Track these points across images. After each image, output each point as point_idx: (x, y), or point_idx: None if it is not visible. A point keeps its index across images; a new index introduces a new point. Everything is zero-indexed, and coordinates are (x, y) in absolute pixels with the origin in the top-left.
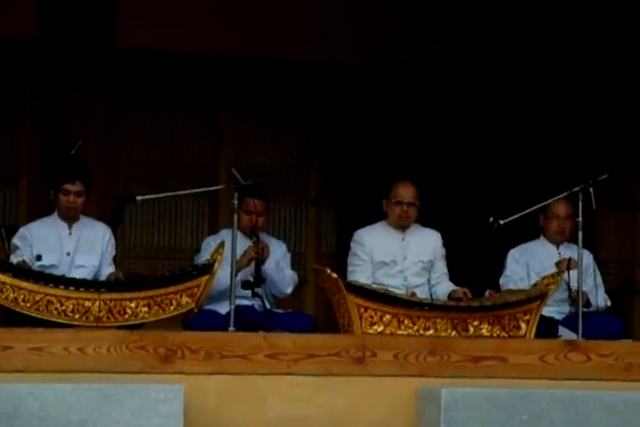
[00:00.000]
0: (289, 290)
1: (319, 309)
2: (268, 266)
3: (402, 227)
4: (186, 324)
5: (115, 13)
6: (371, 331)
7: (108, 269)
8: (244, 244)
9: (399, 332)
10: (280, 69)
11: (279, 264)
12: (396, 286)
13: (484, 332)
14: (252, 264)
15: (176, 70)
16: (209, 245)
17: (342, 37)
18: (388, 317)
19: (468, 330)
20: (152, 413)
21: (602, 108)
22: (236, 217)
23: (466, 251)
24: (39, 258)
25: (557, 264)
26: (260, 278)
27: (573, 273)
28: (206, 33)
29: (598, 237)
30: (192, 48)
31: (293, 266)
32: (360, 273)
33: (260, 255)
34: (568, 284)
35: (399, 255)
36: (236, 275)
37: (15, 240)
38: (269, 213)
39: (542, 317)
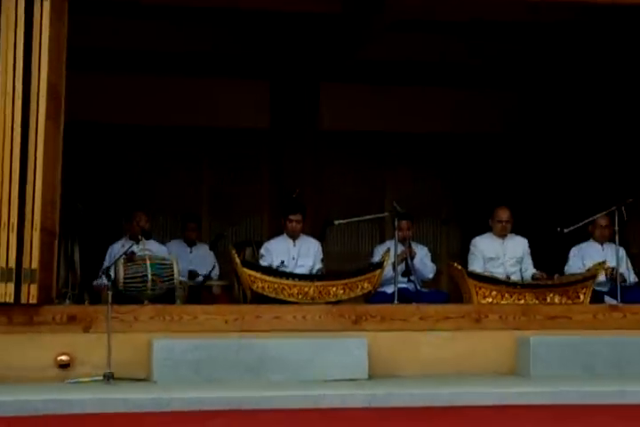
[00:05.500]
0: (430, 275)
1: None
2: (416, 261)
3: None
4: (367, 299)
5: (316, 101)
6: None
7: (317, 266)
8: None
9: None
10: None
11: (422, 260)
12: None
13: None
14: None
15: None
16: (377, 250)
17: None
18: None
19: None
20: None
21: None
22: (397, 233)
23: None
24: (282, 263)
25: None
26: (409, 271)
27: (615, 262)
28: None
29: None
30: None
31: None
32: None
33: (409, 255)
34: (613, 268)
35: None
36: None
37: (262, 251)
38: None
39: (594, 290)
